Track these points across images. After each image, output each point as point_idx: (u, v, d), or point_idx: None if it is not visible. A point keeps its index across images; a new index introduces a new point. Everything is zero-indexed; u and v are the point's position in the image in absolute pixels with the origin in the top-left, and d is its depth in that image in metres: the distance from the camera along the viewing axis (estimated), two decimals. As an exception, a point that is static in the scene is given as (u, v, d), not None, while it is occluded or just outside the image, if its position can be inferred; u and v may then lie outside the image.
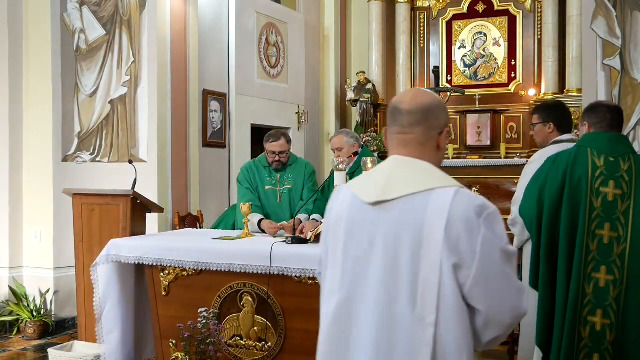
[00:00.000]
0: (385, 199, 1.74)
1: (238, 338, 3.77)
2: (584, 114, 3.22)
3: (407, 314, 1.68)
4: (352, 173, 4.38)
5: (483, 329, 1.71)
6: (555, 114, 3.74)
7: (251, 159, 6.85)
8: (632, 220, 2.84)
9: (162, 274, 3.93)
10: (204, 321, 3.51)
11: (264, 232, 4.30)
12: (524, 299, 1.73)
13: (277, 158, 4.54)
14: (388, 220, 1.73)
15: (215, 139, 7.29)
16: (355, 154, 4.40)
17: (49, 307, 5.82)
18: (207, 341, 3.48)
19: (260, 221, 4.31)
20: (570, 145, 3.59)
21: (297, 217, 4.17)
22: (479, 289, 1.67)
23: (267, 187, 4.58)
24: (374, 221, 1.75)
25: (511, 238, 3.86)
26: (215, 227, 5.05)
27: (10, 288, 5.79)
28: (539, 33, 9.01)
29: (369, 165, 3.52)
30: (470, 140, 9.16)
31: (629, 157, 2.97)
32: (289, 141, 4.60)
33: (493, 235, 1.68)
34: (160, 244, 3.96)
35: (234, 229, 4.71)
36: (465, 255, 1.66)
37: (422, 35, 9.75)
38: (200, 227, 6.06)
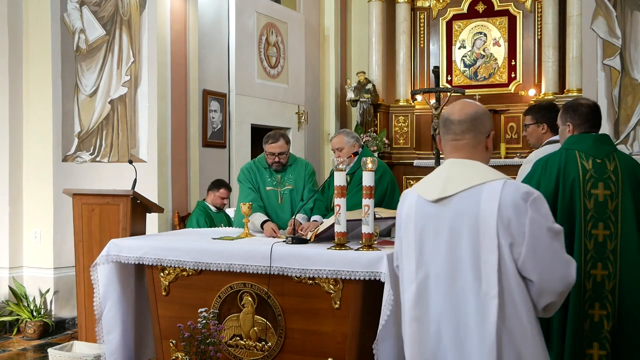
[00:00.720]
0: (445, 195, 2.06)
1: (238, 338, 3.77)
2: (564, 114, 3.22)
3: (473, 290, 1.99)
4: (353, 173, 4.38)
5: (538, 297, 2.01)
6: (548, 115, 3.76)
7: (251, 159, 6.86)
8: (621, 218, 2.97)
9: (162, 274, 3.93)
10: (204, 321, 3.51)
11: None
12: (573, 269, 2.03)
13: (276, 159, 4.53)
14: (449, 213, 2.05)
15: (215, 139, 7.29)
16: (356, 154, 4.39)
17: (49, 307, 5.82)
18: (207, 341, 3.48)
19: (263, 223, 4.30)
20: None
21: (295, 217, 4.17)
22: (529, 263, 1.97)
23: (268, 188, 4.57)
24: (437, 215, 2.07)
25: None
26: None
27: (10, 288, 5.79)
28: (539, 33, 9.01)
29: (369, 165, 3.52)
30: (470, 140, 9.16)
31: (613, 156, 3.04)
32: (287, 142, 4.59)
33: (539, 216, 1.98)
34: (160, 244, 3.95)
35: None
36: (517, 235, 1.97)
37: (422, 35, 9.75)
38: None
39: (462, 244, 2.02)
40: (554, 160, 3.06)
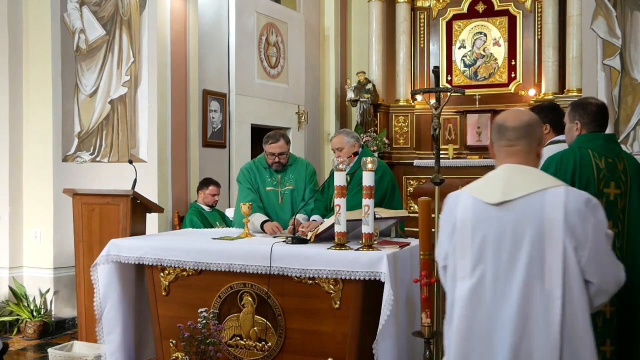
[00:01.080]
0: (507, 199, 2.15)
1: (238, 338, 3.77)
2: (573, 112, 3.23)
3: (537, 290, 2.09)
4: (353, 173, 4.37)
5: (594, 297, 2.15)
6: (551, 115, 3.78)
7: (251, 159, 6.85)
8: (628, 217, 3.02)
9: (162, 274, 3.93)
10: (204, 321, 3.51)
11: (265, 232, 4.29)
12: (623, 271, 2.19)
13: (276, 159, 4.53)
14: (512, 216, 2.14)
15: (215, 139, 7.29)
16: (356, 154, 4.39)
17: (49, 307, 5.82)
18: (207, 341, 3.48)
19: (263, 223, 4.30)
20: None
21: (296, 217, 4.17)
22: (591, 266, 2.10)
23: (268, 188, 4.57)
24: (498, 218, 2.15)
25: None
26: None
27: (10, 288, 5.79)
28: (539, 33, 9.01)
29: (369, 165, 3.51)
30: (470, 140, 9.16)
31: (621, 156, 3.08)
32: (288, 142, 4.58)
33: (599, 221, 2.13)
34: (160, 244, 3.95)
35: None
36: (581, 238, 2.09)
37: (422, 35, 9.75)
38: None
39: (525, 246, 2.11)
40: (568, 158, 3.07)
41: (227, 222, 6.14)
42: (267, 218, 4.36)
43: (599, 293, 2.15)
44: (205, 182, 6.24)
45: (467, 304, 2.19)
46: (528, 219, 2.11)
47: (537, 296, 2.09)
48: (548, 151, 3.65)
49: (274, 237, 4.09)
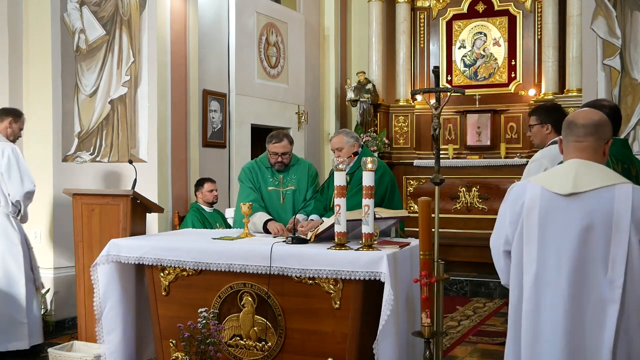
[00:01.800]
0: (578, 190, 2.30)
1: (238, 338, 3.77)
2: None
3: (599, 277, 2.25)
4: (352, 173, 4.37)
5: None
6: (553, 115, 3.77)
7: (251, 159, 6.86)
8: None
9: (162, 274, 3.93)
10: (204, 321, 3.51)
11: (267, 232, 4.29)
12: None
13: (279, 159, 4.53)
14: (582, 207, 2.29)
15: (215, 139, 7.29)
16: (355, 153, 4.39)
17: (49, 307, 5.82)
18: (207, 341, 3.48)
19: (266, 222, 4.30)
20: None
21: (295, 217, 4.17)
22: None
23: (269, 188, 4.56)
24: (568, 208, 2.31)
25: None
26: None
27: (10, 288, 5.78)
28: (539, 33, 9.00)
29: (369, 165, 3.52)
30: (470, 140, 9.16)
31: (634, 163, 3.12)
32: (291, 142, 4.59)
33: None
34: (160, 244, 3.96)
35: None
36: None
37: (422, 35, 9.75)
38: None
39: (593, 236, 2.26)
40: None
41: (226, 224, 6.15)
42: (270, 217, 4.36)
43: None
44: (199, 182, 6.27)
45: (533, 287, 2.35)
46: (597, 211, 2.27)
47: (598, 283, 2.25)
48: (551, 151, 3.66)
49: (275, 237, 4.10)
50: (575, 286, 2.28)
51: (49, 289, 5.82)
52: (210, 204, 6.18)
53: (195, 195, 6.28)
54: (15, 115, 5.18)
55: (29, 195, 4.97)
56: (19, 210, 5.01)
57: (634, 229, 2.25)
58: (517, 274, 2.44)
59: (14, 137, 5.16)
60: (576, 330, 2.28)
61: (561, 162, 3.22)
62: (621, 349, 2.25)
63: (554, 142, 3.73)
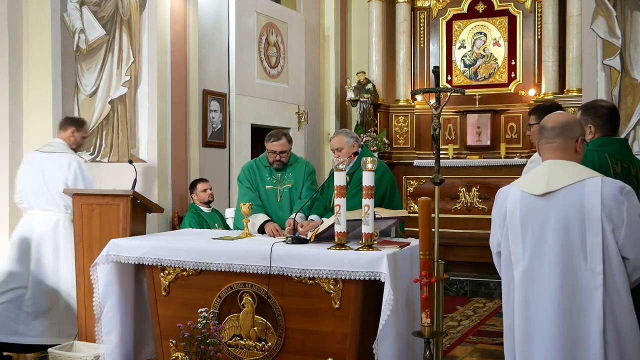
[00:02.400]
0: (551, 189, 2.47)
1: (238, 338, 3.77)
2: (585, 115, 3.24)
3: (581, 267, 2.42)
4: (352, 173, 4.37)
5: (631, 272, 2.45)
6: None
7: (251, 159, 6.85)
8: None
9: (162, 274, 3.93)
10: (204, 321, 3.51)
11: (264, 233, 4.30)
12: None
13: (277, 157, 4.55)
14: (556, 205, 2.46)
15: (215, 139, 7.29)
16: (355, 154, 4.39)
17: (49, 307, 5.80)
18: (207, 341, 3.48)
19: (264, 224, 4.30)
20: None
21: (293, 217, 4.18)
22: (628, 244, 2.41)
23: (267, 187, 4.59)
24: (544, 207, 2.48)
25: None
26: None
27: (10, 288, 5.78)
28: (539, 33, 9.00)
29: (369, 165, 3.51)
30: (470, 140, 9.15)
31: (634, 162, 3.12)
32: (290, 141, 4.61)
33: (632, 205, 2.43)
34: (160, 244, 3.96)
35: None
36: (617, 221, 2.40)
37: (422, 35, 9.75)
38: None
39: (570, 230, 2.43)
40: (587, 160, 3.08)
41: (225, 225, 6.15)
42: (268, 218, 4.37)
43: (635, 268, 2.44)
44: (192, 184, 6.29)
45: (522, 282, 2.52)
46: (570, 206, 2.44)
47: (582, 273, 2.42)
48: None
49: (273, 237, 4.10)
50: (560, 279, 2.44)
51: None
52: (208, 204, 6.18)
53: (191, 197, 6.29)
54: (77, 124, 5.34)
55: None
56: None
57: (606, 218, 2.40)
58: (507, 272, 2.62)
59: (77, 146, 5.33)
60: (566, 320, 2.43)
61: None
62: (610, 332, 2.40)
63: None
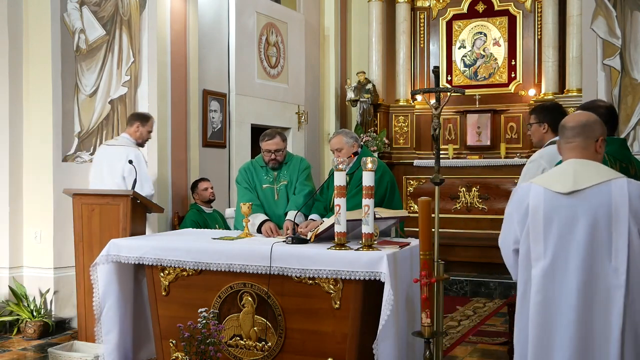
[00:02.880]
0: (578, 188, 2.49)
1: (238, 338, 3.77)
2: None
3: (605, 266, 2.44)
4: (352, 173, 4.37)
5: None
6: (550, 115, 3.79)
7: (251, 159, 6.86)
8: None
9: (162, 274, 3.93)
10: (204, 321, 3.51)
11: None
12: None
13: (273, 156, 4.57)
14: (583, 203, 2.47)
15: (215, 139, 7.30)
16: (355, 154, 4.39)
17: (49, 307, 5.81)
18: (207, 341, 3.48)
19: (262, 223, 4.31)
20: None
21: (289, 217, 4.18)
22: None
23: (264, 186, 4.61)
24: (571, 205, 2.49)
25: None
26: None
27: (10, 288, 5.79)
28: (539, 33, 9.00)
29: (369, 165, 3.51)
30: (470, 140, 9.16)
31: (632, 162, 3.14)
32: (284, 139, 4.63)
33: None
34: (160, 244, 3.96)
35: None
36: None
37: (422, 35, 9.75)
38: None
39: (597, 228, 2.45)
40: None
41: (225, 225, 6.16)
42: (266, 218, 4.37)
43: None
44: (194, 184, 6.32)
45: (541, 280, 2.51)
46: (597, 205, 2.46)
47: (605, 271, 2.43)
48: (548, 151, 3.66)
49: (273, 237, 4.10)
50: (584, 277, 2.44)
51: (48, 289, 5.83)
52: (209, 203, 6.18)
53: (193, 197, 6.30)
54: (142, 119, 5.43)
55: (149, 198, 5.15)
56: None
57: (632, 218, 2.43)
58: (523, 270, 2.60)
59: (142, 140, 5.43)
60: (586, 319, 2.44)
61: (558, 163, 3.25)
62: (629, 332, 2.41)
63: (552, 142, 3.74)
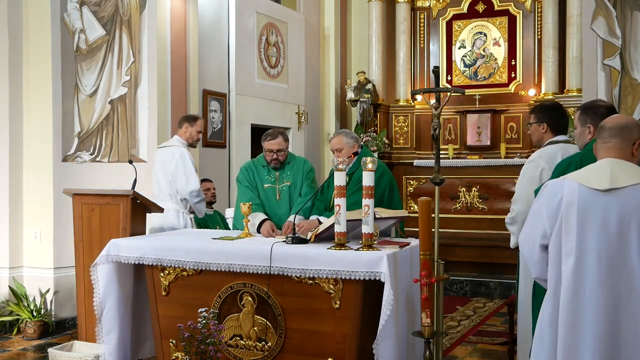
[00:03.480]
0: (616, 186, 2.49)
1: (238, 338, 3.77)
2: (584, 116, 3.25)
3: (636, 264, 2.44)
4: (352, 174, 4.37)
5: None
6: (550, 115, 3.80)
7: (251, 158, 6.86)
8: None
9: (162, 274, 3.93)
10: (204, 321, 3.51)
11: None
12: None
13: (275, 156, 4.56)
14: (620, 201, 2.48)
15: (215, 139, 7.30)
16: (355, 154, 4.40)
17: (49, 307, 5.82)
18: (207, 341, 3.48)
19: (261, 223, 4.31)
20: (567, 145, 3.66)
21: (293, 220, 4.18)
22: None
23: (266, 185, 4.61)
24: (607, 202, 2.49)
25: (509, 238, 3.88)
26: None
27: (10, 288, 5.79)
28: (539, 33, 9.00)
29: (369, 165, 3.52)
30: (470, 140, 9.16)
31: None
32: (286, 139, 4.63)
33: None
34: (160, 244, 3.96)
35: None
36: None
37: (422, 35, 9.75)
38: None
39: (630, 228, 2.45)
40: (587, 161, 3.09)
41: (226, 226, 6.15)
42: (266, 217, 4.37)
43: None
44: None
45: (572, 277, 2.50)
46: (634, 205, 2.47)
47: (636, 271, 2.43)
48: (547, 151, 3.67)
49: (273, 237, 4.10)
50: (615, 274, 2.45)
51: (49, 289, 5.83)
52: (210, 204, 6.17)
53: None
54: (190, 120, 5.53)
55: (194, 194, 5.31)
56: (190, 206, 5.41)
57: None
58: (555, 266, 2.58)
59: (193, 141, 5.52)
60: (616, 317, 2.44)
61: (558, 164, 3.24)
62: None
63: (551, 142, 3.75)
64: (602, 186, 2.51)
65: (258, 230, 4.31)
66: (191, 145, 5.53)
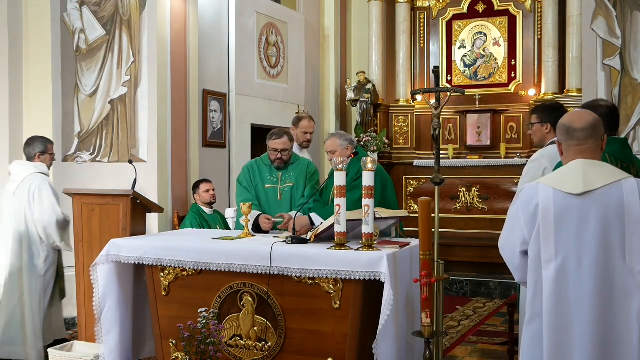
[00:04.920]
0: (590, 189, 2.46)
1: (238, 338, 3.77)
2: None
3: (620, 266, 2.42)
4: (346, 175, 4.36)
5: None
6: (553, 115, 3.79)
7: (251, 159, 6.86)
8: None
9: (162, 274, 3.93)
10: (204, 321, 3.51)
11: (258, 229, 4.32)
12: None
13: (279, 156, 4.57)
14: (595, 203, 2.45)
15: (215, 139, 7.30)
16: (355, 154, 4.39)
17: (49, 307, 5.80)
18: (207, 341, 3.48)
19: (257, 218, 4.33)
20: None
21: (293, 216, 4.18)
22: None
23: (267, 185, 4.61)
24: (582, 206, 2.46)
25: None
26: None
27: (10, 288, 5.77)
28: (539, 33, 9.00)
29: (369, 165, 3.52)
30: (470, 140, 9.16)
31: (633, 162, 3.15)
32: (291, 139, 4.65)
33: None
34: (160, 244, 3.96)
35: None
36: None
37: (422, 35, 9.75)
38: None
39: (610, 229, 2.43)
40: None
41: (226, 226, 6.15)
42: (260, 212, 4.40)
43: None
44: (195, 184, 6.29)
45: (554, 283, 2.47)
46: (610, 205, 2.44)
47: (620, 272, 2.42)
48: (550, 151, 3.66)
49: (274, 236, 4.10)
50: (599, 278, 2.42)
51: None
52: (210, 205, 6.17)
53: (194, 198, 6.29)
54: (294, 122, 5.65)
55: None
56: None
57: None
58: (535, 271, 2.54)
59: (300, 142, 5.52)
60: (604, 320, 2.41)
61: (559, 163, 3.24)
62: None
63: (553, 142, 3.75)
64: (577, 190, 2.48)
65: (254, 227, 4.31)
66: (301, 146, 5.51)
